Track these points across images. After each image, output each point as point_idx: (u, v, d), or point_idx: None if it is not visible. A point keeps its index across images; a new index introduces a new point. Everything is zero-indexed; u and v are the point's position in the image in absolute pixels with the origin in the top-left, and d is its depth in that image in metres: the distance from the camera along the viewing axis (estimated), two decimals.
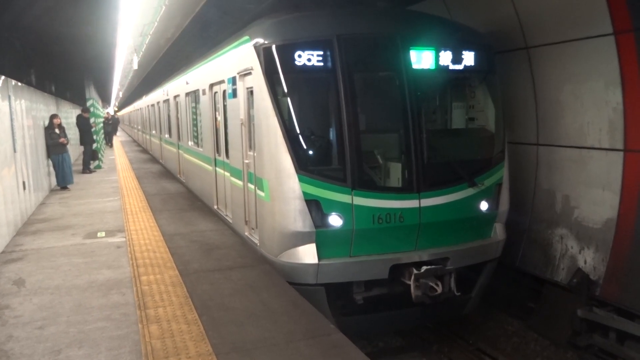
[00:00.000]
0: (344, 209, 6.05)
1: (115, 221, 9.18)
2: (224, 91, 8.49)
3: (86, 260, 6.81)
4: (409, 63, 6.37)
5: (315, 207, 6.03)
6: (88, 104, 17.78)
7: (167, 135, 17.15)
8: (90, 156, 16.89)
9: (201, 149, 10.98)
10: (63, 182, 12.91)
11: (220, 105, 9.03)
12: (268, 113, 6.22)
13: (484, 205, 6.70)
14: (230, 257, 6.83)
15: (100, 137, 19.57)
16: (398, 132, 6.57)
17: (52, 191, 12.80)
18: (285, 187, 6.09)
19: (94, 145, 17.34)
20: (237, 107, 7.59)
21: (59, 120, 12.84)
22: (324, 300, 6.19)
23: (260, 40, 6.40)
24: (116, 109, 62.21)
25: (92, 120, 17.15)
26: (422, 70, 6.47)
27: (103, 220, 9.31)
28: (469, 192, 6.57)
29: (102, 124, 22.51)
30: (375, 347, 7.38)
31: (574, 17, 6.84)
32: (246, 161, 7.41)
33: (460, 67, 6.71)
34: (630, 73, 6.36)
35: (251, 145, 7.20)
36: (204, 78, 10.06)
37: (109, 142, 29.40)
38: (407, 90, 6.32)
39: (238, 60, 7.35)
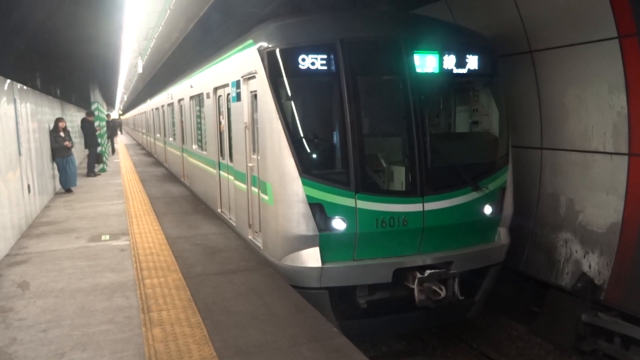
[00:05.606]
0: (348, 213, 6.05)
1: (120, 224, 9.20)
2: (228, 95, 8.51)
3: (90, 264, 6.83)
4: (412, 67, 6.37)
5: (319, 210, 6.03)
6: (93, 107, 17.86)
7: (171, 139, 17.21)
8: (95, 159, 16.97)
9: (205, 153, 11.00)
10: (67, 184, 12.96)
11: (224, 109, 9.05)
12: (272, 116, 6.23)
13: (487, 209, 6.69)
14: (234, 261, 6.84)
15: (104, 140, 19.63)
16: (402, 135, 6.58)
17: (56, 194, 12.85)
18: (289, 190, 6.09)
19: (99, 149, 17.41)
20: (241, 110, 7.61)
21: (64, 124, 12.91)
22: (328, 304, 6.18)
23: (264, 44, 6.42)
24: (120, 112, 62.10)
25: (96, 123, 17.22)
26: (426, 74, 6.46)
27: (107, 223, 9.33)
28: (473, 196, 6.56)
29: (105, 128, 22.48)
30: (379, 350, 7.36)
31: (578, 20, 6.83)
32: (250, 164, 7.42)
33: (463, 70, 6.71)
34: (635, 77, 6.35)
35: (255, 149, 7.21)
36: (208, 81, 10.09)
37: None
38: (411, 93, 6.32)
39: (242, 64, 7.37)
